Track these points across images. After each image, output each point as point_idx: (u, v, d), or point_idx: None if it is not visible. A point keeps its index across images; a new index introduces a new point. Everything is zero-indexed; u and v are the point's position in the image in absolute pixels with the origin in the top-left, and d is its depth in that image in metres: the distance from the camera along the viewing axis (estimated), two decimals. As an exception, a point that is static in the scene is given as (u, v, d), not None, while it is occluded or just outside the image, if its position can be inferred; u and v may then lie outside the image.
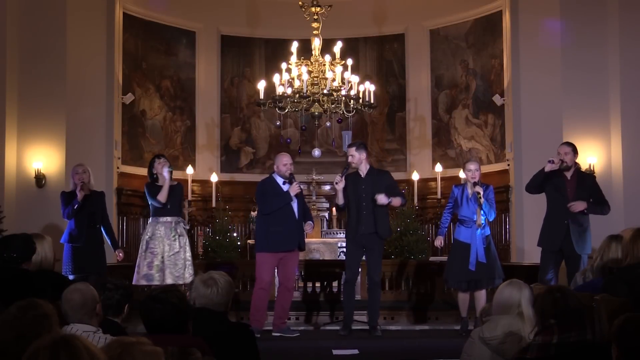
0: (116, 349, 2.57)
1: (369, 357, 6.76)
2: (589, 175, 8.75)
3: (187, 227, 8.56)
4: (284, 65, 9.89)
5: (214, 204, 11.27)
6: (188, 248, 8.15)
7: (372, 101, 10.10)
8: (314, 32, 10.16)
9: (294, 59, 9.98)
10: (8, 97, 9.87)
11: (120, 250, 8.23)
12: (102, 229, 7.96)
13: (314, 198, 11.75)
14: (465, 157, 11.44)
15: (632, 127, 9.99)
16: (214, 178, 11.52)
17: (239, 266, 9.45)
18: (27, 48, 10.12)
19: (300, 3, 10.32)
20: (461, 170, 9.47)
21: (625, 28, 10.09)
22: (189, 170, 11.23)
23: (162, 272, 7.92)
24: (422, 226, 11.18)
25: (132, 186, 10.99)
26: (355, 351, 6.72)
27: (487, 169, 10.97)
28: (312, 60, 9.97)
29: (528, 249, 9.84)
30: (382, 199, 7.74)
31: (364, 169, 7.98)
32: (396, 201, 7.94)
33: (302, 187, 8.13)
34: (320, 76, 9.87)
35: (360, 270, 8.35)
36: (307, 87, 9.50)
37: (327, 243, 10.61)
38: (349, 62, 9.90)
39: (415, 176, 11.35)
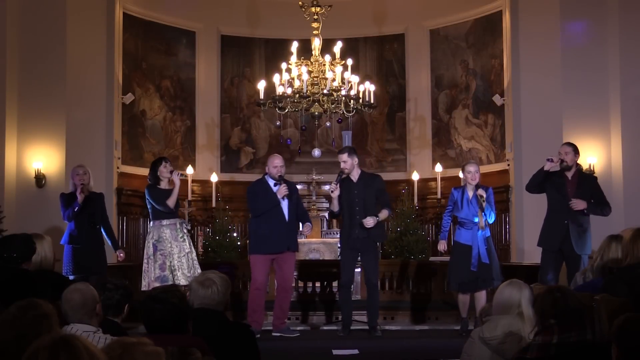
0: (117, 350, 2.57)
1: (368, 357, 6.76)
2: (590, 176, 8.72)
3: (189, 227, 8.55)
4: (284, 65, 9.89)
5: (214, 204, 11.28)
6: (193, 248, 8.14)
7: (372, 101, 10.09)
8: (314, 32, 10.16)
9: (294, 59, 9.98)
10: (8, 97, 9.87)
11: (121, 250, 8.20)
12: (102, 230, 7.95)
13: (314, 198, 11.77)
14: (466, 157, 11.45)
15: (632, 127, 9.99)
16: (214, 178, 11.53)
17: (239, 266, 9.45)
18: (27, 48, 10.11)
19: (300, 3, 10.31)
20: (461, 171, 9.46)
21: (625, 28, 10.09)
22: (189, 170, 11.23)
23: (175, 273, 7.80)
24: (422, 226, 11.20)
25: (132, 186, 11.00)
26: (355, 351, 6.72)
27: (487, 169, 10.97)
28: (312, 60, 9.97)
29: (528, 249, 9.83)
30: (369, 222, 7.71)
31: (355, 174, 7.98)
32: (383, 215, 7.92)
33: (298, 187, 8.10)
34: (320, 76, 9.86)
35: (359, 271, 8.33)
36: (307, 87, 9.49)
37: (327, 243, 10.63)
38: (349, 62, 9.90)
39: (415, 176, 11.36)
